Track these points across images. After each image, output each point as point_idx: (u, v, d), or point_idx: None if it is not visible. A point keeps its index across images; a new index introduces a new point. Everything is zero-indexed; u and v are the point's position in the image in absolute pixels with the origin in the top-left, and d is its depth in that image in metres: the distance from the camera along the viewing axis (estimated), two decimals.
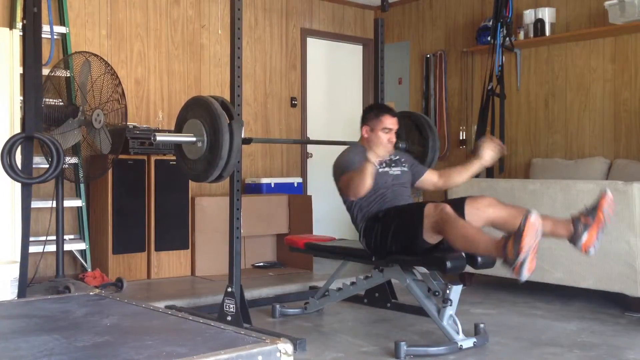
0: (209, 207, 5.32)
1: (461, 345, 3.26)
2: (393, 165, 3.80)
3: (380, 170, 3.65)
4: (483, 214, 3.25)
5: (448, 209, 3.15)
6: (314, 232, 5.65)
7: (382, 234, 3.48)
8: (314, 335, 3.59)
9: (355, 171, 3.44)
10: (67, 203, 4.86)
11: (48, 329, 1.63)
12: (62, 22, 5.10)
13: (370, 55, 7.02)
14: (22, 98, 4.06)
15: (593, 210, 3.03)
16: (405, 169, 3.85)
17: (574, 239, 3.06)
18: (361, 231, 3.63)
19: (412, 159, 3.98)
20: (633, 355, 3.21)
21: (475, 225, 3.14)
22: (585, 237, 3.01)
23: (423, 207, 3.26)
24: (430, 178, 3.91)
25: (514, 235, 2.76)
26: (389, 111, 3.78)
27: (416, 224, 3.25)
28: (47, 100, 4.53)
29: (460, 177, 3.82)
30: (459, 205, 3.30)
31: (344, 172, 3.59)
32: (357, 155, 3.61)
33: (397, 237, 3.40)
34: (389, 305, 4.13)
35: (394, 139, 3.76)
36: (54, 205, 4.54)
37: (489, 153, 3.67)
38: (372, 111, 3.81)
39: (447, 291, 3.34)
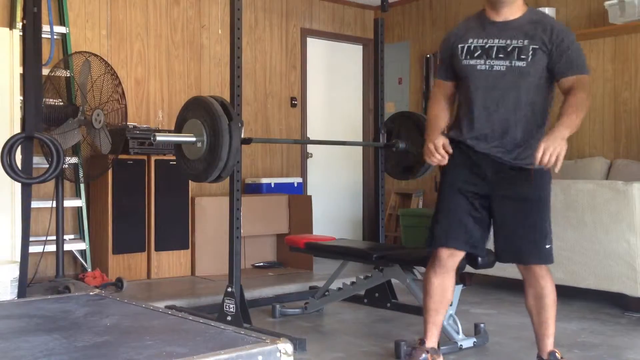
0: (209, 207, 5.32)
1: (461, 345, 3.26)
2: (498, 55, 2.58)
3: (466, 62, 2.62)
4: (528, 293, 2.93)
5: (438, 270, 2.80)
6: (314, 232, 5.65)
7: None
8: (314, 335, 3.59)
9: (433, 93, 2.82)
10: (67, 203, 4.87)
11: (48, 329, 1.63)
12: (62, 22, 5.10)
13: (370, 55, 7.01)
14: (22, 98, 4.06)
15: None
16: (522, 62, 2.56)
17: None
18: None
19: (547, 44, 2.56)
20: (633, 355, 3.21)
21: (442, 302, 2.83)
22: None
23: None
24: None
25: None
26: None
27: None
28: (47, 100, 4.53)
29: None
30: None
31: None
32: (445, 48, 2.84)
33: None
34: (389, 305, 4.13)
35: None
36: (54, 205, 4.54)
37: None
38: None
39: None
